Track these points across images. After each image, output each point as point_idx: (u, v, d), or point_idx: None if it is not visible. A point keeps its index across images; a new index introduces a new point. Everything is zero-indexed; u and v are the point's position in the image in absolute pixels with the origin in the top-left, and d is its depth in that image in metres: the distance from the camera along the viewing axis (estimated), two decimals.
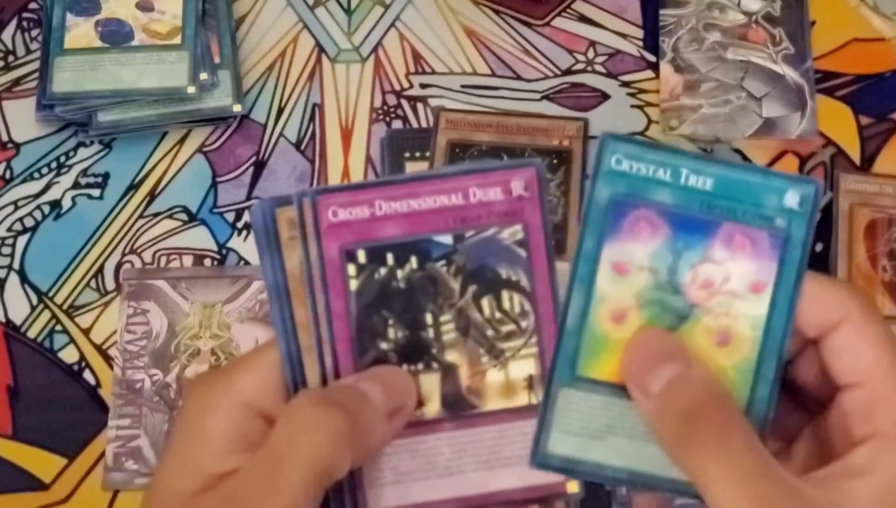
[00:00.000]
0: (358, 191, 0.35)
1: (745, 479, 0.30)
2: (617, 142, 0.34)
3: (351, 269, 0.35)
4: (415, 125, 0.66)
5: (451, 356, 0.36)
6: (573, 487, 0.35)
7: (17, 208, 0.63)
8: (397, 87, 0.68)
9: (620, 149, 0.34)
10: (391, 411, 0.34)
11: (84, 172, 0.65)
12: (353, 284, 0.35)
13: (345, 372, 0.35)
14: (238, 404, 0.33)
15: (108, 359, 0.59)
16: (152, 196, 0.64)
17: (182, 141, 0.66)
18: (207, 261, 0.62)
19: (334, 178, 0.65)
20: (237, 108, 0.65)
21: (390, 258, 0.35)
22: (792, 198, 0.34)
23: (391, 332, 0.35)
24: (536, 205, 0.35)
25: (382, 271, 0.35)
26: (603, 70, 0.68)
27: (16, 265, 0.62)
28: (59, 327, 0.60)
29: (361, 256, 0.35)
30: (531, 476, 0.35)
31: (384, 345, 0.35)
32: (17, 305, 0.61)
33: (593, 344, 0.34)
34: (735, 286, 0.34)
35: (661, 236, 0.34)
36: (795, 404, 0.36)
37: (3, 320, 0.60)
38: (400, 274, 0.35)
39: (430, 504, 0.35)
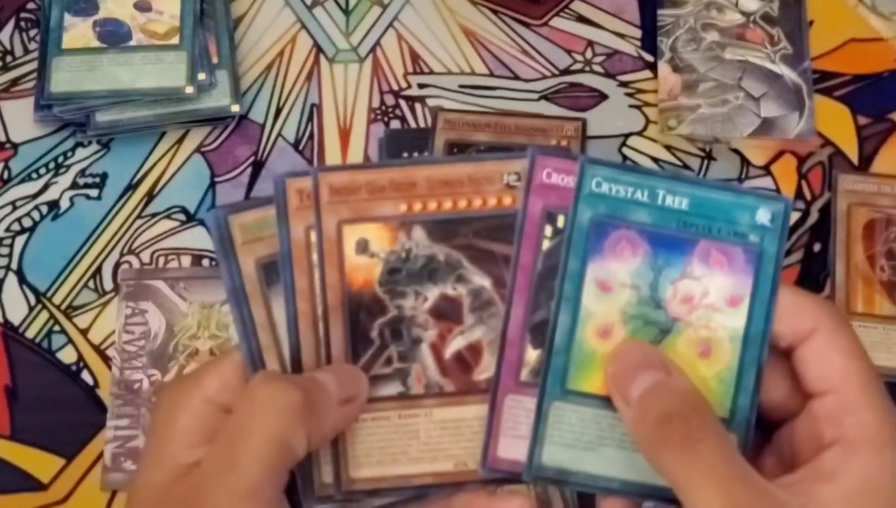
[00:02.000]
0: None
1: (721, 482, 0.31)
2: (596, 165, 0.36)
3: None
4: (413, 125, 0.66)
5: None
6: None
7: (15, 208, 0.63)
8: (395, 87, 0.68)
9: (599, 172, 0.36)
10: (344, 398, 0.35)
11: (82, 172, 0.65)
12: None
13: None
14: (203, 400, 0.35)
15: (106, 360, 0.59)
16: (150, 196, 0.64)
17: (180, 141, 0.66)
18: (206, 262, 0.62)
19: None
20: (235, 109, 0.65)
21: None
22: (763, 215, 0.36)
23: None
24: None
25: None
26: (601, 70, 0.68)
27: (14, 265, 0.62)
28: (57, 327, 0.60)
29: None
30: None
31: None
32: (16, 305, 0.61)
33: (581, 359, 0.36)
34: (713, 300, 0.36)
35: (642, 254, 0.36)
36: (764, 414, 0.37)
37: (2, 320, 0.60)
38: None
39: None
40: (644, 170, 0.37)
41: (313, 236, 0.37)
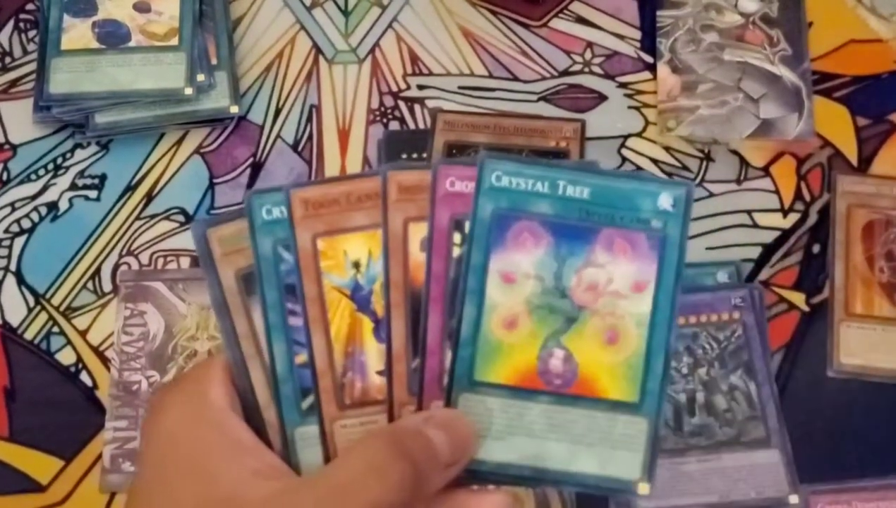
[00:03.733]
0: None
1: None
2: (495, 160, 0.37)
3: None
4: (412, 126, 0.66)
5: None
6: (643, 489, 0.36)
7: (14, 210, 0.63)
8: (394, 89, 0.68)
9: (499, 166, 0.37)
10: (451, 463, 0.35)
11: (81, 174, 0.65)
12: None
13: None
14: (218, 411, 0.35)
15: (105, 361, 0.59)
16: (149, 197, 0.64)
17: (179, 142, 0.66)
18: None
19: None
20: (234, 110, 0.65)
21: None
22: (665, 201, 0.36)
23: None
24: None
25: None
26: (600, 71, 0.68)
27: (13, 267, 0.62)
28: (56, 329, 0.60)
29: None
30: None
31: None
32: (14, 307, 0.61)
33: (488, 349, 0.36)
34: (618, 286, 0.36)
35: (544, 245, 0.36)
36: None
37: (0, 322, 0.60)
38: None
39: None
40: (545, 162, 0.37)
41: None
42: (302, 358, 0.37)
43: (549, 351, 0.36)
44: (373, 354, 0.37)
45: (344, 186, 0.37)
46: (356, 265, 0.37)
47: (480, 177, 0.36)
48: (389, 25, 0.70)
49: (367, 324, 0.37)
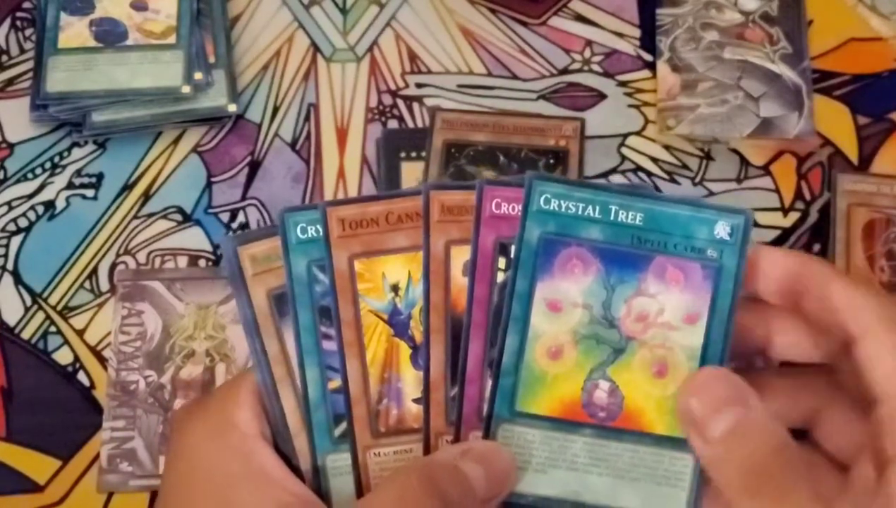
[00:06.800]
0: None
1: None
2: (544, 182, 0.35)
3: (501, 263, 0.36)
4: (411, 125, 0.66)
5: None
6: None
7: (10, 209, 0.63)
8: (393, 87, 0.67)
9: (548, 189, 0.35)
10: (488, 498, 0.34)
11: (78, 172, 0.64)
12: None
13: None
14: (249, 440, 0.34)
15: (102, 361, 0.59)
16: (147, 196, 0.64)
17: (176, 141, 0.65)
18: (202, 262, 0.62)
19: (330, 179, 0.64)
20: (232, 108, 0.65)
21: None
22: (722, 229, 0.35)
23: None
24: None
25: None
26: (599, 69, 0.68)
27: (9, 266, 0.62)
28: (53, 328, 0.60)
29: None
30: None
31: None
32: (11, 306, 0.60)
33: (531, 380, 0.35)
34: (669, 317, 0.35)
35: (594, 272, 0.35)
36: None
37: None
38: None
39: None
40: (596, 184, 0.35)
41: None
42: (335, 383, 0.36)
43: (595, 382, 0.35)
44: (410, 381, 0.36)
45: (383, 205, 0.36)
46: (395, 288, 0.36)
47: (528, 199, 0.35)
48: (388, 24, 0.70)
49: (405, 350, 0.36)
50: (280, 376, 0.36)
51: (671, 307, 0.35)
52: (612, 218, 0.35)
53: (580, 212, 0.35)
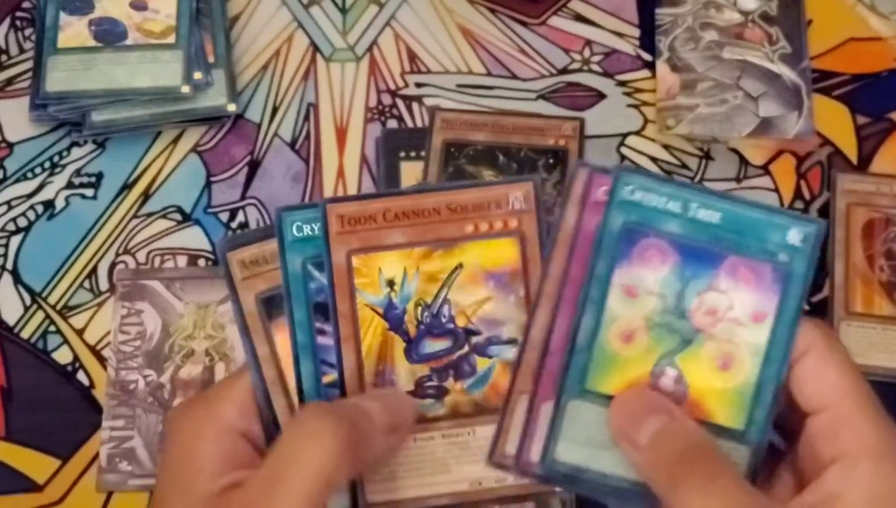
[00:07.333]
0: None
1: None
2: (630, 174, 0.37)
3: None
4: (410, 125, 0.66)
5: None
6: None
7: (10, 208, 0.63)
8: (392, 87, 0.67)
9: (634, 180, 0.37)
10: (390, 427, 0.35)
11: (77, 172, 0.64)
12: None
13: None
14: (223, 430, 0.36)
15: (101, 360, 0.59)
16: (146, 196, 0.64)
17: (176, 140, 0.65)
18: (202, 262, 0.62)
19: (329, 178, 0.64)
20: (231, 108, 0.65)
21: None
22: (795, 236, 0.36)
23: None
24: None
25: None
26: (599, 69, 0.68)
27: (9, 265, 0.61)
28: (52, 328, 0.60)
29: None
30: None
31: None
32: (11, 306, 0.60)
33: (603, 360, 0.36)
34: (738, 314, 0.36)
35: (670, 264, 0.36)
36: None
37: None
38: None
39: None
40: (679, 182, 0.37)
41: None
42: (330, 377, 0.37)
43: (662, 369, 0.36)
44: (403, 374, 0.37)
45: (381, 203, 0.37)
46: (391, 283, 0.37)
47: (614, 188, 0.37)
48: (387, 23, 0.70)
49: (399, 344, 0.37)
50: (271, 377, 0.37)
51: (740, 304, 0.36)
52: (691, 214, 0.37)
53: (662, 206, 0.37)
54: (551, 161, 0.63)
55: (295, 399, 0.37)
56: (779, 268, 0.36)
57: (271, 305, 0.37)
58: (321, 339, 0.37)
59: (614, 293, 0.36)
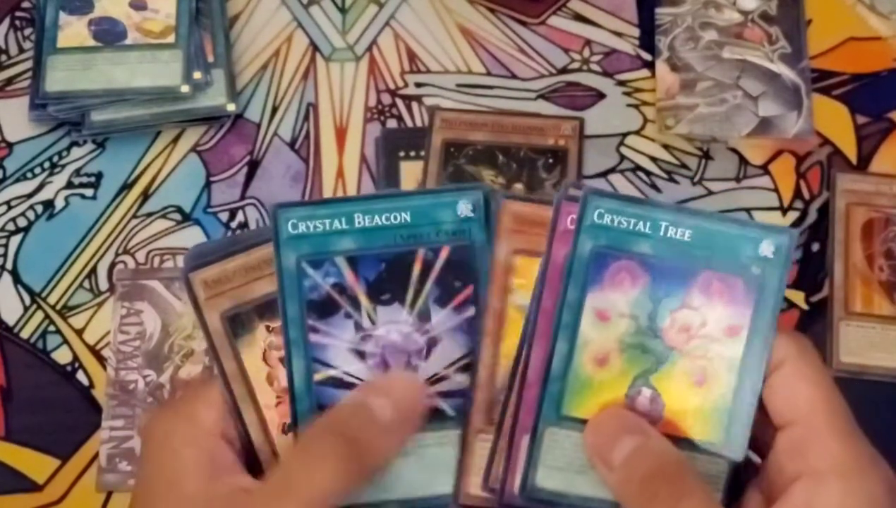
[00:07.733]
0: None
1: None
2: (598, 197, 0.36)
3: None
4: (410, 124, 0.66)
5: None
6: None
7: (9, 208, 0.63)
8: (392, 86, 0.67)
9: (602, 204, 0.36)
10: (397, 423, 0.35)
11: (77, 172, 0.64)
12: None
13: None
14: (204, 433, 0.36)
15: (101, 360, 0.59)
16: (146, 196, 0.64)
17: (176, 140, 0.65)
18: None
19: (329, 178, 0.64)
20: (231, 108, 0.65)
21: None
22: (767, 248, 0.36)
23: None
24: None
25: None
26: (599, 69, 0.68)
27: (8, 265, 0.62)
28: (52, 328, 0.60)
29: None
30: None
31: None
32: (10, 306, 0.60)
33: (577, 385, 0.36)
34: (711, 330, 0.36)
35: (642, 285, 0.36)
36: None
37: None
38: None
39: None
40: (648, 201, 0.37)
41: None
42: (321, 375, 0.37)
43: (638, 389, 0.36)
44: None
45: (549, 210, 0.37)
46: None
47: (582, 213, 0.36)
48: (387, 23, 0.70)
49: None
50: (240, 394, 0.37)
51: (713, 320, 0.36)
52: (662, 233, 0.36)
53: (631, 227, 0.36)
54: (551, 161, 0.63)
55: (266, 413, 0.37)
56: (751, 281, 0.36)
57: (236, 323, 0.37)
58: (314, 337, 0.37)
59: (587, 318, 0.36)
